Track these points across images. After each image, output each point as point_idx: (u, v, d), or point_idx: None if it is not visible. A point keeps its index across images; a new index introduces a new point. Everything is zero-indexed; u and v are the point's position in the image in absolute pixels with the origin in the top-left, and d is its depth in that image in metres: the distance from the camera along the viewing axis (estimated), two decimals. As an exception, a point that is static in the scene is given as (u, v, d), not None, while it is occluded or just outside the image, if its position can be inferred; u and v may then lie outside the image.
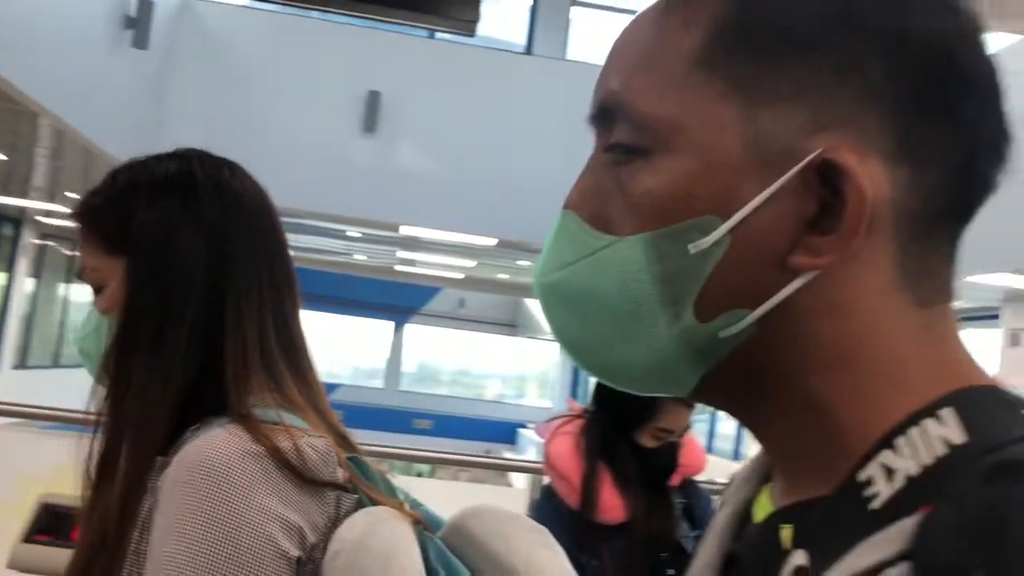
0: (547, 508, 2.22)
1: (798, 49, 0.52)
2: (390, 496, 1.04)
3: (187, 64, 7.73)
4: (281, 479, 0.92)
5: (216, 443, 0.92)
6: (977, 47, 0.53)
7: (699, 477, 2.42)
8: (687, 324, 0.53)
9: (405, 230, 8.67)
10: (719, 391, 0.57)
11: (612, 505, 2.13)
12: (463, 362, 24.28)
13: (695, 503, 2.33)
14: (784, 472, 0.57)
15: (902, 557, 0.44)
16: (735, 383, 0.56)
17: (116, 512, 0.96)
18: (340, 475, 0.98)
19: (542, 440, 2.34)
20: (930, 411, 0.50)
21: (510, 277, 14.09)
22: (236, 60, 7.84)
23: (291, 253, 1.15)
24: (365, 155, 7.98)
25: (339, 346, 22.72)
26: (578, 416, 2.30)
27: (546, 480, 2.33)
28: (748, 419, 0.58)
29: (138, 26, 6.64)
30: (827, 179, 0.51)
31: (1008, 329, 7.92)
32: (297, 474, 0.93)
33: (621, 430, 2.19)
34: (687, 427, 2.25)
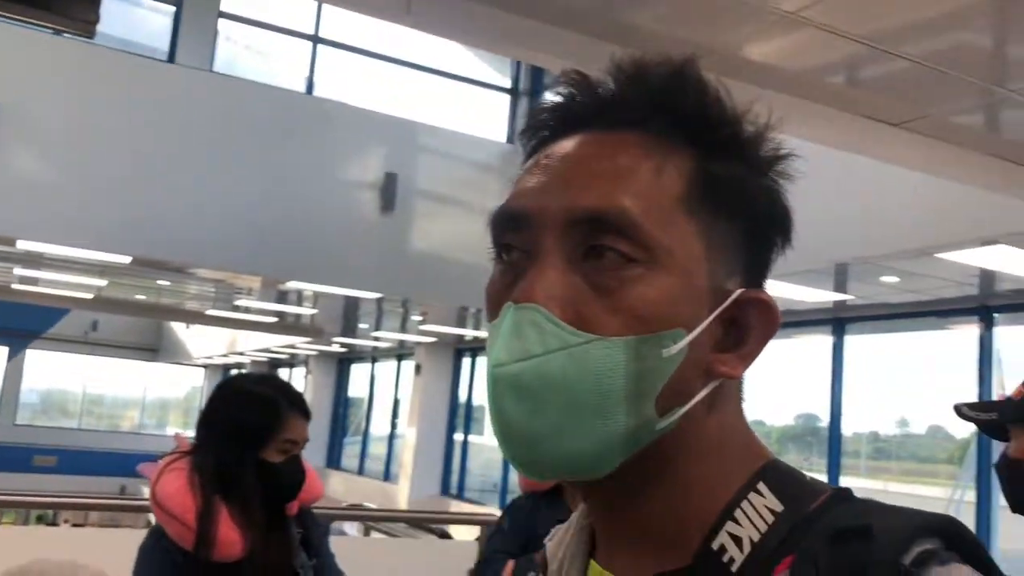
0: (155, 552, 2.07)
1: (728, 216, 0.67)
2: None
3: None
4: None
5: None
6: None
7: (351, 500, 2.41)
8: (646, 417, 0.63)
9: (23, 244, 7.77)
10: (619, 475, 0.65)
11: (230, 540, 2.04)
12: (96, 391, 22.31)
13: (312, 531, 2.31)
14: (636, 549, 0.68)
15: None
16: (636, 468, 0.65)
17: None
18: None
19: (148, 479, 2.15)
20: (751, 486, 0.67)
21: (148, 298, 13.17)
22: None
23: None
24: (-27, 160, 7.04)
25: (-60, 377, 19.88)
26: (187, 452, 2.17)
27: (153, 521, 2.15)
28: (620, 500, 0.68)
29: None
30: (742, 309, 0.67)
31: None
32: None
33: (243, 451, 2.12)
34: (307, 438, 2.23)
